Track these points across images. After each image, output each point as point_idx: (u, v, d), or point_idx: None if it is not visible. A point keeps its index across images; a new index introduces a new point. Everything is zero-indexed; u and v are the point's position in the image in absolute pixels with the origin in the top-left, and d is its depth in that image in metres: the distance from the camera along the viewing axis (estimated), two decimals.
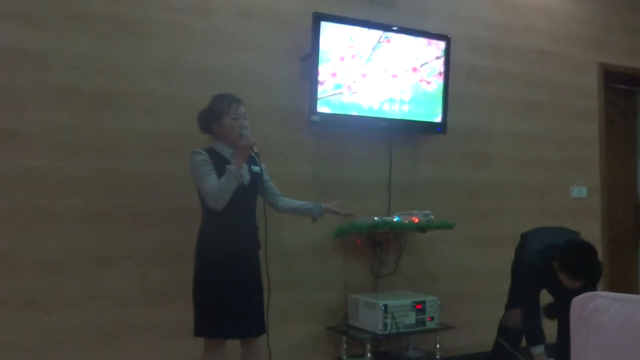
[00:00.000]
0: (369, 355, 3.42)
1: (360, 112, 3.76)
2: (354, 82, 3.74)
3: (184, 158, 2.94)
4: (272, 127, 3.62)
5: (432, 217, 3.79)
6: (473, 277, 4.32)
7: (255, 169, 2.97)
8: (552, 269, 3.21)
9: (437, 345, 3.69)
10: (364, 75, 3.76)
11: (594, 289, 3.20)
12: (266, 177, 3.10)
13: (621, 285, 5.37)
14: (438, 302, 3.65)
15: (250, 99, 3.15)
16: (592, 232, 4.94)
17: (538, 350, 3.28)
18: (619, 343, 1.46)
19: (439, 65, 4.03)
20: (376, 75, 3.80)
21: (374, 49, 3.79)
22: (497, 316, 3.88)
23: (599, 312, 1.51)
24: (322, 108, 3.64)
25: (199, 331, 2.85)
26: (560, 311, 3.40)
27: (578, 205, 4.88)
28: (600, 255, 4.96)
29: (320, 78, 3.61)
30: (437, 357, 3.67)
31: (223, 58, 3.53)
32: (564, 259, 3.14)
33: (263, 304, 2.93)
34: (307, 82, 3.64)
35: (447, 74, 4.05)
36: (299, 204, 3.17)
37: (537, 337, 3.31)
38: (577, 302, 1.56)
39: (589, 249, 3.16)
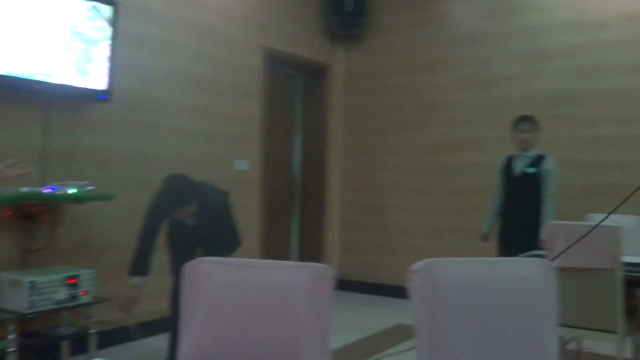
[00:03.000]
0: (11, 337, 3.16)
1: (8, 72, 3.39)
2: (2, 39, 3.35)
3: None
4: None
5: (90, 187, 3.65)
6: (130, 248, 4.30)
7: None
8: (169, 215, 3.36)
9: (93, 320, 3.60)
10: (15, 33, 3.40)
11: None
12: None
13: (276, 251, 5.96)
14: (93, 275, 3.55)
15: None
16: (253, 203, 5.38)
17: (133, 280, 3.44)
18: (219, 302, 1.60)
19: (106, 30, 3.86)
20: (32, 34, 3.47)
21: (31, 6, 3.45)
22: (155, 286, 3.94)
23: (205, 275, 1.63)
24: None
25: None
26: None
27: (240, 177, 5.24)
28: (258, 223, 5.44)
29: None
30: (92, 331, 3.58)
31: None
32: (165, 197, 3.28)
33: None
34: None
35: (114, 40, 3.92)
36: None
37: (135, 268, 3.44)
38: (188, 267, 1.67)
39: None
